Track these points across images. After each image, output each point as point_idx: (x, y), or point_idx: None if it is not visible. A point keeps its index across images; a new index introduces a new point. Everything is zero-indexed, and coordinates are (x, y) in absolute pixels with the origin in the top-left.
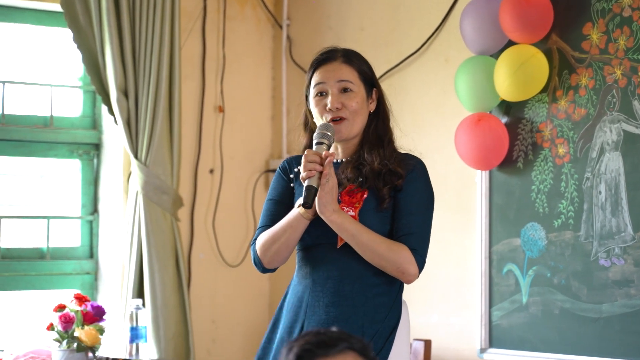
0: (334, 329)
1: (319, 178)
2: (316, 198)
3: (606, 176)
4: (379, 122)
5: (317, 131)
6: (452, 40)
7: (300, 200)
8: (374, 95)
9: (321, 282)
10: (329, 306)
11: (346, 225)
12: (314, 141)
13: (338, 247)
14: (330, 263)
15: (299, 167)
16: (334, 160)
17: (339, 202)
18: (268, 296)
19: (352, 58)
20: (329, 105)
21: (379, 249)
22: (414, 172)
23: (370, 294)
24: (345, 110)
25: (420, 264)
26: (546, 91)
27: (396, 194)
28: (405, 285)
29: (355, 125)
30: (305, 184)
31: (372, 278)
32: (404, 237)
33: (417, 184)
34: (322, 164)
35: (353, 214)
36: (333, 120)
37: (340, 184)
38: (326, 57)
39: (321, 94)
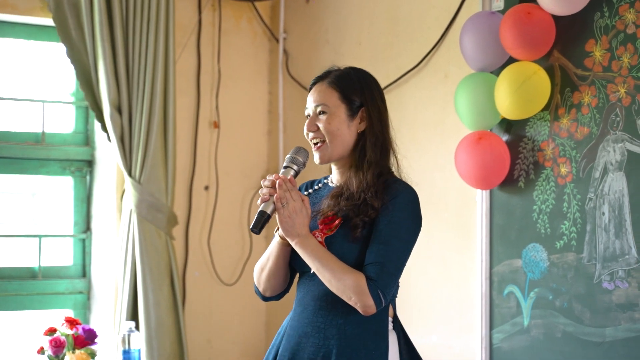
0: None
1: (274, 203)
2: (279, 223)
3: (610, 197)
4: (365, 143)
5: (288, 154)
6: (452, 56)
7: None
8: (362, 115)
9: (299, 312)
10: (302, 337)
11: (309, 251)
12: (283, 164)
13: (311, 272)
14: (309, 293)
15: (307, 192)
16: (332, 184)
17: (317, 228)
18: (264, 315)
19: (340, 79)
20: (305, 130)
21: (333, 276)
22: (396, 200)
23: (344, 324)
24: (320, 132)
25: (375, 296)
26: (548, 109)
27: (373, 223)
28: (397, 309)
29: (335, 147)
30: (259, 209)
31: (346, 308)
32: (367, 266)
33: (397, 213)
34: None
35: (321, 239)
36: (315, 144)
37: (319, 211)
38: (315, 80)
39: (308, 117)
